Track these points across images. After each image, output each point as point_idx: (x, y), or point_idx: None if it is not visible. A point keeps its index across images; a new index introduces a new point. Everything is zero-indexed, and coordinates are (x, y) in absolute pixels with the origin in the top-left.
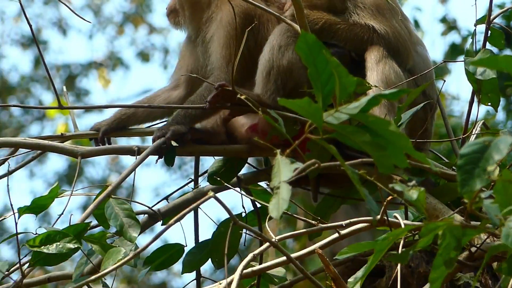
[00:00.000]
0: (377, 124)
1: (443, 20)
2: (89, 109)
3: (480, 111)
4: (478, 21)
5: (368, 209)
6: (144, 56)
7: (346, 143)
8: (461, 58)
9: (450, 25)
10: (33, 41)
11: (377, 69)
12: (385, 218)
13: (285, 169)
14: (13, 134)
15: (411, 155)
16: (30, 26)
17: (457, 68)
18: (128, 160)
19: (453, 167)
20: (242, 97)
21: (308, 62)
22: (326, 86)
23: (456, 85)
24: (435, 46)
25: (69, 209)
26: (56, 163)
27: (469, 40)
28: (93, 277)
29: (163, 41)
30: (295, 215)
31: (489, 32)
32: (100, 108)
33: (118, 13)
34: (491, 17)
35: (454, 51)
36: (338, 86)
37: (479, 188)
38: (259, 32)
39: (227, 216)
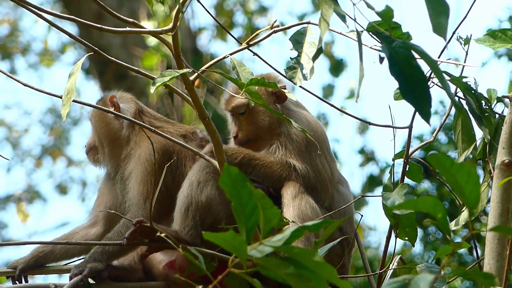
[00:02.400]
0: (302, 255)
1: (361, 151)
2: (6, 245)
3: (398, 242)
4: (396, 156)
5: None
6: (62, 189)
7: (270, 276)
8: (379, 189)
9: (368, 156)
10: None
11: (293, 205)
12: None
13: None
14: None
15: (336, 284)
16: None
17: (374, 199)
18: None
19: None
20: (162, 234)
21: (232, 195)
22: (250, 218)
23: (374, 216)
24: (353, 177)
25: None
26: None
27: (387, 173)
28: None
29: (81, 174)
30: None
31: (407, 166)
32: (18, 244)
33: (36, 145)
34: (410, 152)
35: (372, 183)
36: (263, 218)
37: None
38: (178, 168)
39: None
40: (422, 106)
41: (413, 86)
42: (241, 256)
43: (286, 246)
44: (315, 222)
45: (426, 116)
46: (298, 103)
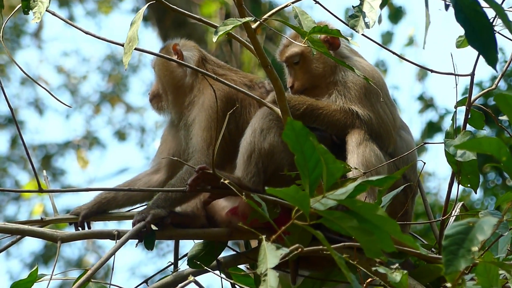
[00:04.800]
0: (365, 209)
1: (420, 98)
2: (69, 192)
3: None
4: (459, 103)
5: None
6: (121, 135)
7: (333, 228)
8: (438, 135)
9: (427, 103)
10: (10, 121)
11: (357, 152)
12: None
13: (271, 255)
14: None
15: (398, 238)
16: (10, 106)
17: (434, 145)
18: (105, 240)
19: (432, 249)
20: (225, 181)
21: (295, 149)
22: (313, 172)
23: (433, 163)
24: (412, 124)
25: None
26: (32, 243)
27: (448, 120)
28: None
29: (139, 120)
30: None
31: (469, 113)
32: (81, 191)
33: (95, 92)
34: (472, 99)
35: (431, 129)
36: (326, 172)
37: (463, 268)
38: (241, 115)
39: None
40: (489, 52)
41: (479, 32)
42: (304, 209)
43: (349, 200)
44: (380, 177)
45: (493, 62)
46: (352, 50)
